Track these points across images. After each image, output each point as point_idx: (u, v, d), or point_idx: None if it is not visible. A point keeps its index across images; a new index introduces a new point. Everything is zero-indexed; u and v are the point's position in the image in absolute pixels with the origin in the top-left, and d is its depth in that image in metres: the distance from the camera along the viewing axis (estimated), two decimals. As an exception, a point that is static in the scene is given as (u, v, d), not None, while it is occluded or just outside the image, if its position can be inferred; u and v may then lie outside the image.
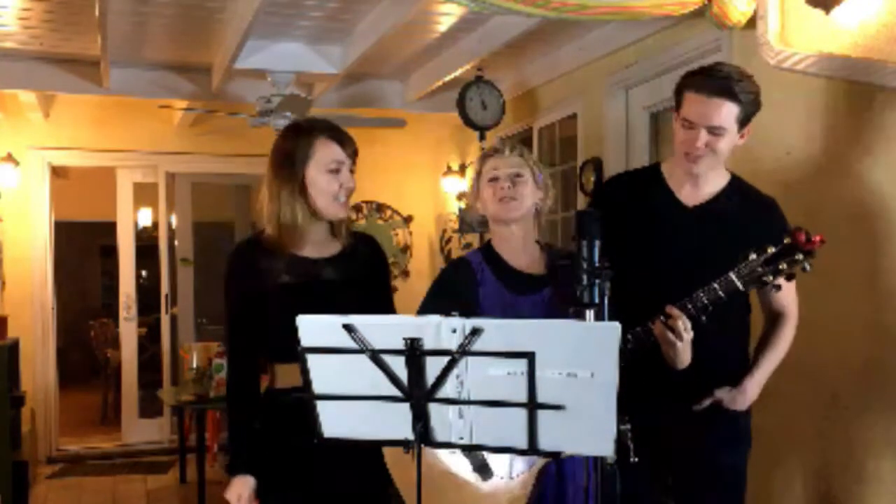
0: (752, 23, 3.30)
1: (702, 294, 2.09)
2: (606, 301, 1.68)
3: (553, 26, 4.45)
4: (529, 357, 1.50)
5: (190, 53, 5.15)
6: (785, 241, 1.99)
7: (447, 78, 5.24)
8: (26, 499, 5.25)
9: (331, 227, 2.36)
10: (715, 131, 2.25)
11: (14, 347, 5.51)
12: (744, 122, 2.29)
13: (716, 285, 2.08)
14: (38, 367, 6.49)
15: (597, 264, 1.67)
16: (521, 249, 2.32)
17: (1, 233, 6.28)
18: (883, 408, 2.87)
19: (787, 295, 2.37)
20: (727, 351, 2.40)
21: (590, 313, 1.67)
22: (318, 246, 2.33)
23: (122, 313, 7.14)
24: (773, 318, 2.44)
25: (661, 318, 2.12)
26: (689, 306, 2.10)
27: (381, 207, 7.28)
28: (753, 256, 2.02)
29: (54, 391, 6.68)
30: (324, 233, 2.35)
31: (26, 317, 6.39)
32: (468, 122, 5.26)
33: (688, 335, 2.09)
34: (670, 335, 2.10)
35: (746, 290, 2.09)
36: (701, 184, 2.38)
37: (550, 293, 2.25)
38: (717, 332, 2.32)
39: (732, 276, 2.05)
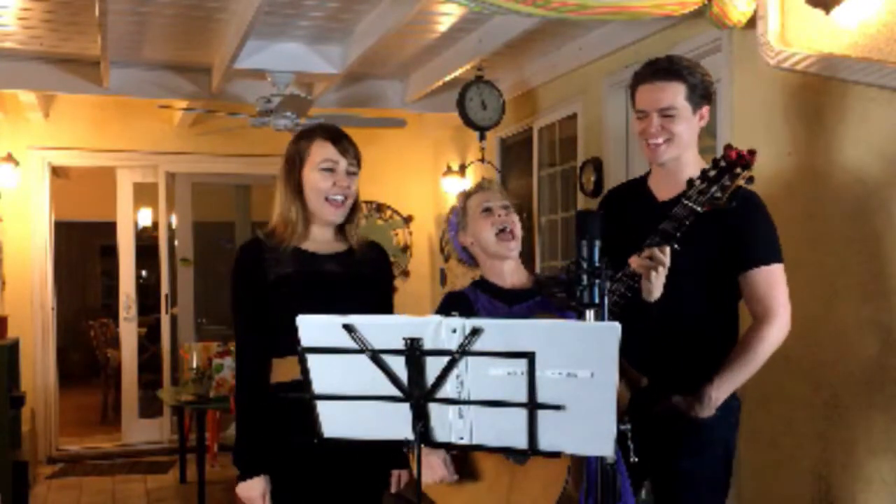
0: (752, 23, 3.30)
1: (666, 224, 2.10)
2: (606, 301, 1.69)
3: (553, 26, 4.45)
4: (529, 357, 1.50)
5: (190, 53, 5.15)
6: (721, 163, 2.07)
7: (447, 78, 5.24)
8: (26, 499, 5.25)
9: (338, 232, 2.40)
10: (666, 112, 2.31)
11: (14, 347, 5.51)
12: (696, 102, 2.33)
13: (676, 210, 2.10)
14: (38, 367, 6.49)
15: (597, 264, 1.67)
16: (513, 276, 2.37)
17: (1, 233, 6.28)
18: (883, 408, 2.87)
19: (767, 291, 2.30)
20: (708, 362, 2.34)
21: (590, 313, 1.67)
22: (322, 244, 2.37)
23: (122, 313, 7.13)
24: (755, 319, 2.34)
25: (637, 254, 2.12)
26: (658, 238, 2.09)
27: (381, 207, 7.27)
28: (698, 182, 2.09)
29: (54, 391, 6.68)
30: (328, 236, 2.39)
31: (26, 317, 6.39)
32: (468, 122, 5.26)
33: (668, 260, 2.08)
34: (650, 262, 2.08)
35: (703, 210, 2.08)
36: (676, 177, 2.35)
37: (543, 299, 2.31)
38: (702, 339, 2.35)
39: (685, 201, 2.09)
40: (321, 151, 2.32)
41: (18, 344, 5.74)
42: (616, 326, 1.46)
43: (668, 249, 2.07)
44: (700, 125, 2.38)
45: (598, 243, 1.69)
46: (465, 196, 2.45)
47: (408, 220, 7.35)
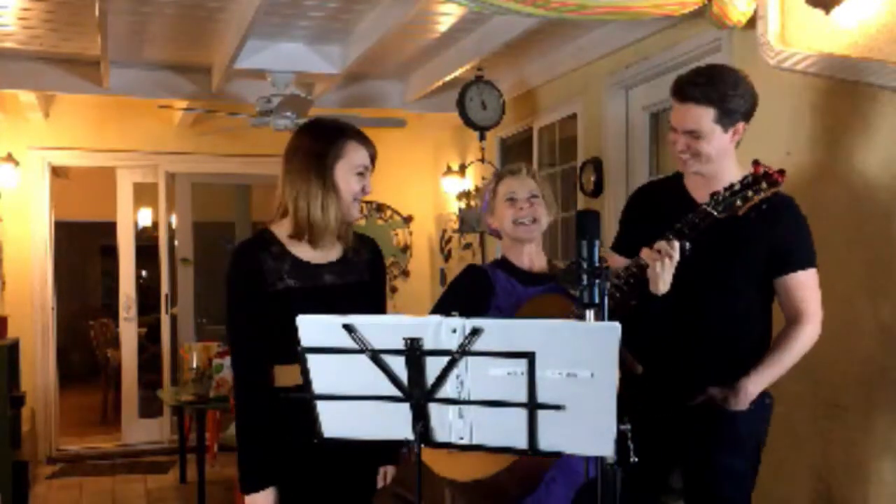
0: (752, 23, 3.30)
1: (682, 224, 2.15)
2: (606, 301, 1.69)
3: (553, 26, 4.45)
4: (529, 357, 1.50)
5: (190, 53, 5.15)
6: (748, 178, 2.12)
7: (447, 78, 5.24)
8: (26, 499, 5.25)
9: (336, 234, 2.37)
10: (691, 135, 2.34)
11: (14, 347, 5.52)
12: (728, 122, 2.33)
13: (692, 216, 2.15)
14: (38, 367, 6.49)
15: (597, 264, 1.67)
16: (532, 259, 2.53)
17: (1, 233, 6.28)
18: (883, 408, 2.87)
19: (803, 294, 2.40)
20: (745, 359, 2.41)
21: (590, 313, 1.67)
22: (321, 250, 2.31)
23: (122, 313, 7.13)
24: (789, 321, 2.43)
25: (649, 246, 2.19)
26: (671, 235, 2.16)
27: (381, 207, 7.28)
28: (723, 192, 2.14)
29: (54, 391, 6.68)
30: (330, 238, 2.34)
31: (26, 317, 6.39)
32: (468, 122, 5.26)
33: (676, 254, 2.14)
34: (657, 255, 2.15)
35: (719, 215, 2.14)
36: (713, 182, 2.38)
37: (558, 284, 2.39)
38: (738, 336, 2.43)
39: (707, 207, 2.14)
40: (358, 155, 2.31)
41: (18, 344, 5.74)
42: (616, 326, 1.46)
43: (676, 244, 2.13)
44: (735, 139, 2.38)
45: (597, 243, 1.69)
46: (497, 179, 2.58)
47: (408, 220, 7.35)
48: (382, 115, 5.97)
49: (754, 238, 2.33)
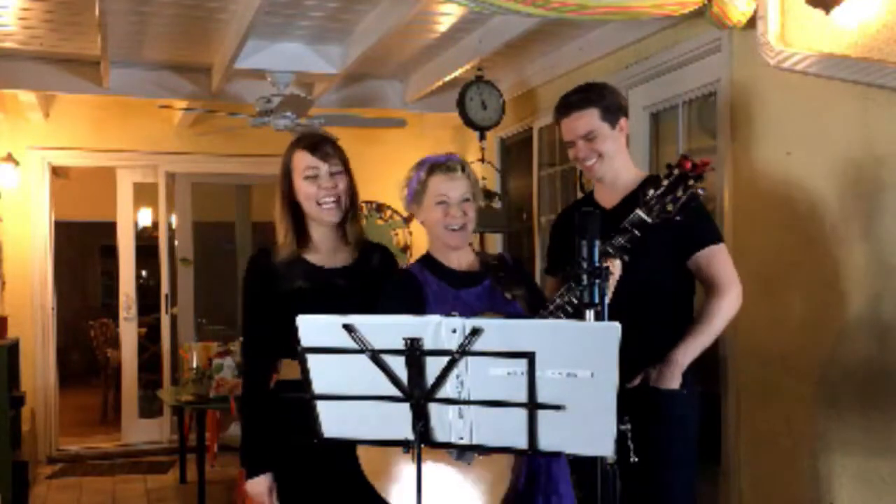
0: (752, 23, 3.30)
1: (618, 236, 2.17)
2: (607, 301, 1.69)
3: (553, 26, 4.45)
4: (529, 357, 1.51)
5: (190, 53, 5.15)
6: (675, 173, 2.14)
7: (447, 78, 5.24)
8: (26, 499, 5.25)
9: (343, 234, 2.46)
10: (588, 136, 2.60)
11: (14, 347, 5.51)
12: (612, 119, 2.60)
13: (626, 224, 2.17)
14: (38, 367, 6.48)
15: (597, 264, 1.67)
16: (460, 257, 2.42)
17: (1, 233, 6.28)
18: (883, 408, 2.87)
19: (717, 267, 2.54)
20: (671, 335, 2.53)
21: (590, 313, 1.68)
22: (329, 255, 2.44)
23: (122, 313, 7.13)
24: (708, 293, 2.56)
25: None
26: (609, 249, 2.16)
27: (381, 207, 7.27)
28: (652, 192, 2.17)
29: (54, 391, 6.68)
30: (333, 240, 2.46)
31: (26, 317, 6.38)
32: (468, 122, 5.25)
33: (618, 271, 2.17)
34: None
35: (654, 222, 2.15)
36: (614, 185, 2.64)
37: (490, 283, 2.35)
38: (662, 318, 2.55)
39: (639, 212, 2.17)
40: (302, 161, 2.41)
41: (18, 344, 5.74)
42: (616, 326, 1.46)
43: (618, 263, 2.17)
44: (623, 134, 2.65)
45: (597, 243, 1.70)
46: (429, 170, 2.34)
47: (408, 220, 7.34)
48: (382, 115, 5.97)
49: (661, 227, 2.33)
